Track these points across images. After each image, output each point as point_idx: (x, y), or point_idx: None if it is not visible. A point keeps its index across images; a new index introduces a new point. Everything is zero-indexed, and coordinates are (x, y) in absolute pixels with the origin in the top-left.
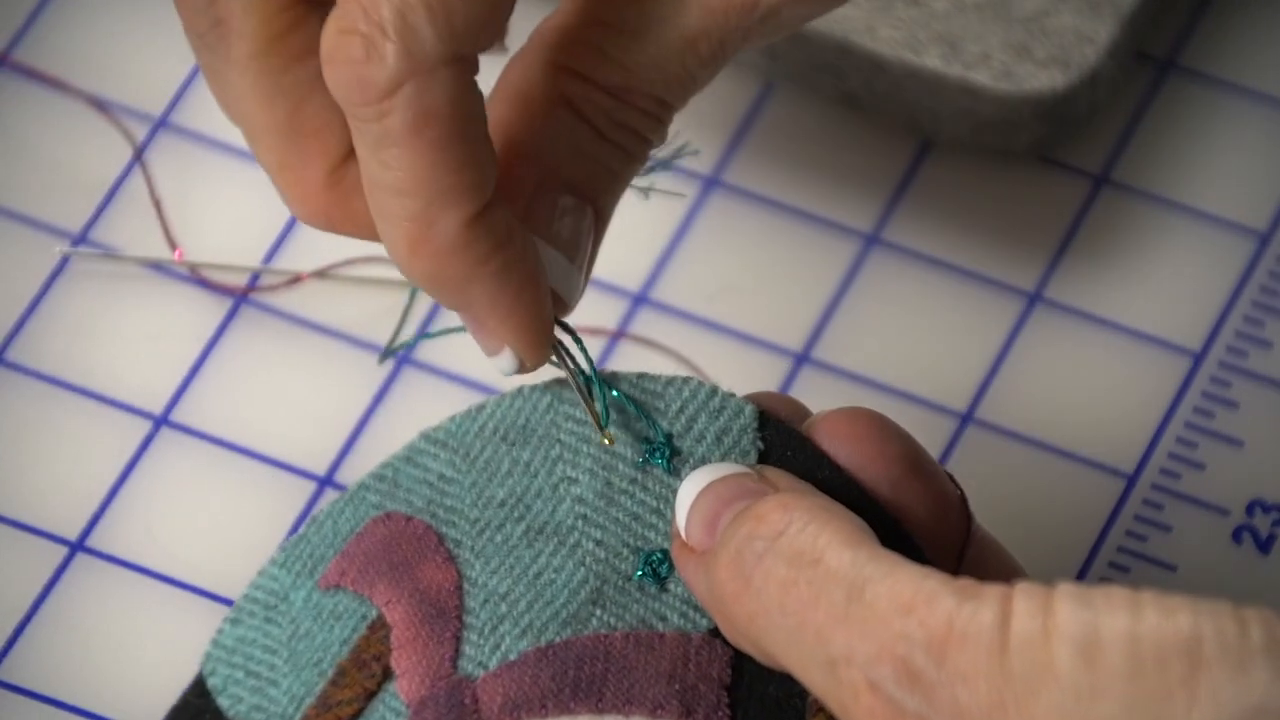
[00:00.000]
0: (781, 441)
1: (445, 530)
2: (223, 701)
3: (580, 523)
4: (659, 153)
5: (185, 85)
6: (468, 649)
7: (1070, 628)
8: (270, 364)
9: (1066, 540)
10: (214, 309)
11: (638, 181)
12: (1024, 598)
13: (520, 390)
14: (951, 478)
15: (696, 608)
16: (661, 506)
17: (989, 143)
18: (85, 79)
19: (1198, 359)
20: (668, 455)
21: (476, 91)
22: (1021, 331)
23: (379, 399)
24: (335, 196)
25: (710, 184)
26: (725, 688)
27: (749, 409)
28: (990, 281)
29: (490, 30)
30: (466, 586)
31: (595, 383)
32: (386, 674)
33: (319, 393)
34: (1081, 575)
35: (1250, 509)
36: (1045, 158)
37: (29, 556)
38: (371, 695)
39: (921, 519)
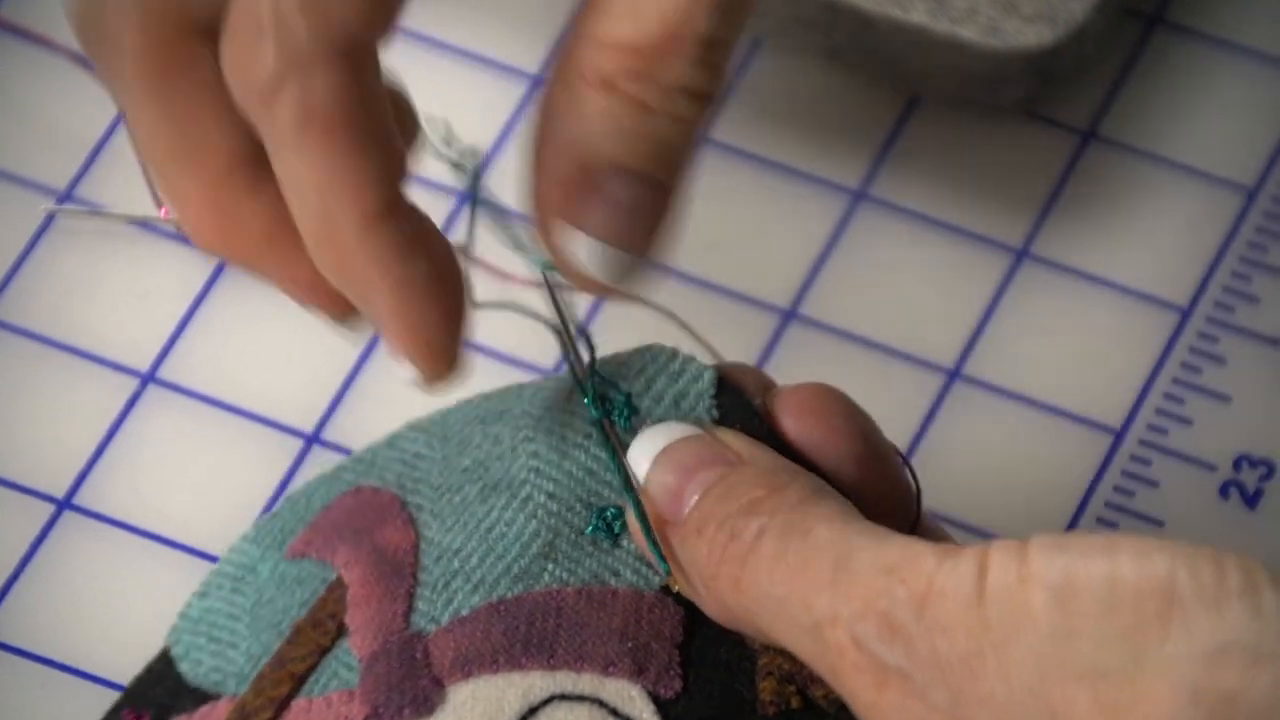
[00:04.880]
0: (735, 410)
1: (409, 498)
2: (183, 667)
3: (533, 475)
4: None
5: None
6: (421, 604)
7: (1045, 573)
8: (257, 321)
9: (1053, 496)
10: (200, 266)
11: None
12: (1000, 551)
13: (510, 387)
14: (908, 464)
15: (650, 564)
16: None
17: (976, 98)
18: (70, 35)
19: (1185, 314)
20: (626, 414)
21: (370, 85)
22: (1009, 287)
23: (366, 356)
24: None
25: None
26: (677, 646)
27: (708, 374)
28: (977, 237)
29: (377, 21)
30: (423, 545)
31: (567, 334)
32: (340, 631)
33: (306, 349)
34: (1068, 531)
35: (1237, 464)
36: (1032, 113)
37: (16, 515)
38: (325, 651)
39: (879, 498)
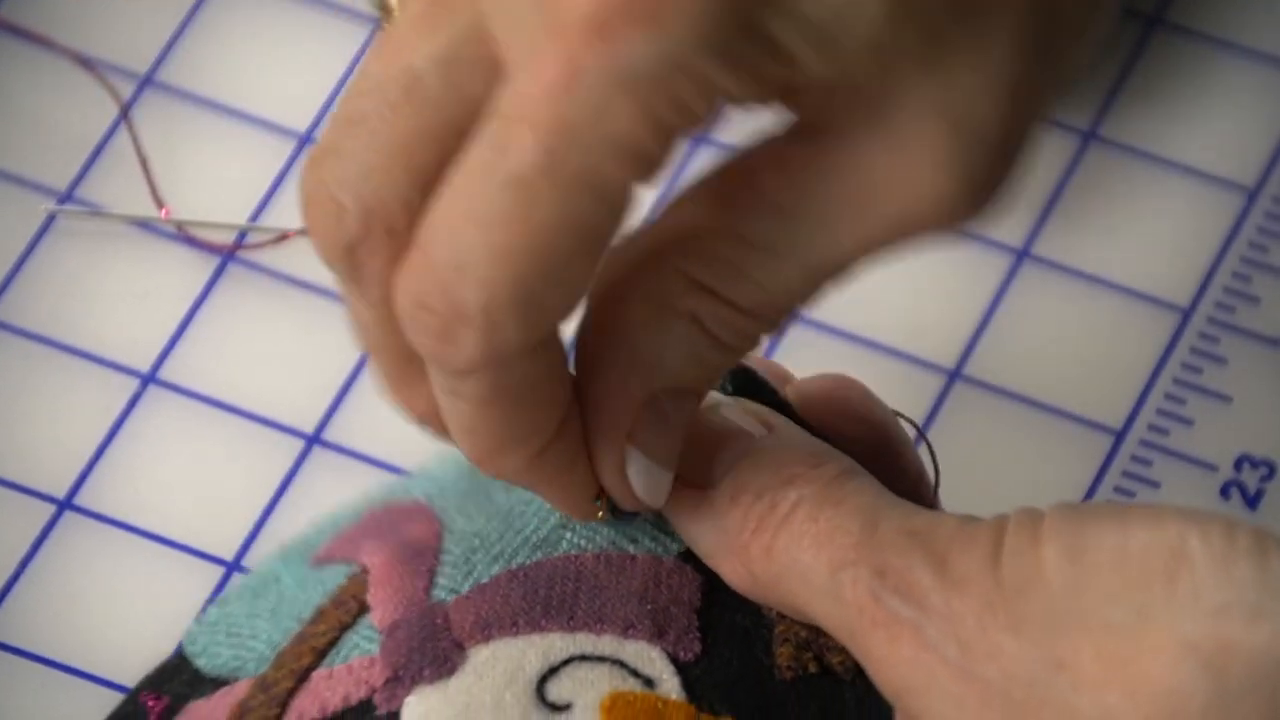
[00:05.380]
0: (749, 391)
1: (436, 502)
2: (200, 662)
3: None
4: None
5: (172, 42)
6: (442, 579)
7: (1059, 533)
8: (257, 321)
9: (1055, 497)
10: (201, 267)
11: None
12: (1018, 515)
13: None
14: (928, 443)
15: (668, 531)
16: None
17: None
18: (71, 36)
19: (1186, 315)
20: None
21: (551, 355)
22: (1009, 288)
23: (366, 356)
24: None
25: (698, 142)
26: (696, 611)
27: None
28: (978, 238)
29: (572, 311)
30: (446, 535)
31: None
32: (362, 609)
33: (306, 350)
34: None
35: (1238, 464)
36: None
37: (16, 515)
38: (346, 628)
39: (895, 486)
